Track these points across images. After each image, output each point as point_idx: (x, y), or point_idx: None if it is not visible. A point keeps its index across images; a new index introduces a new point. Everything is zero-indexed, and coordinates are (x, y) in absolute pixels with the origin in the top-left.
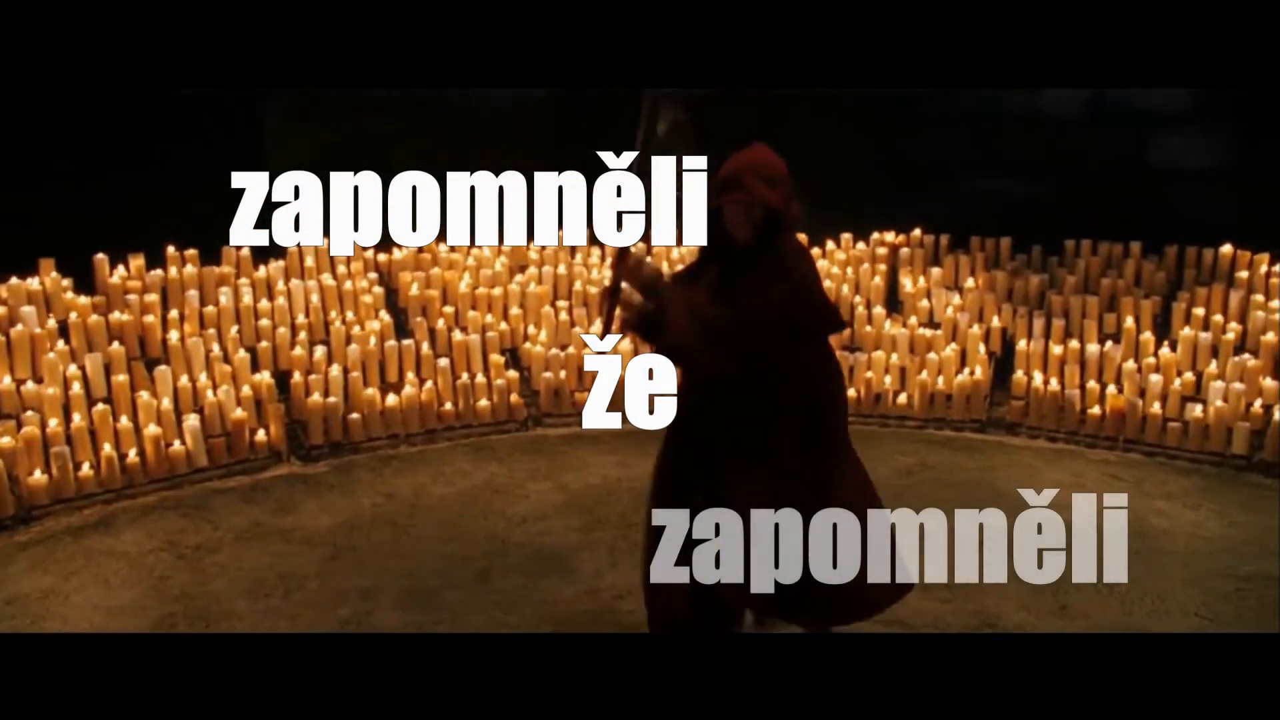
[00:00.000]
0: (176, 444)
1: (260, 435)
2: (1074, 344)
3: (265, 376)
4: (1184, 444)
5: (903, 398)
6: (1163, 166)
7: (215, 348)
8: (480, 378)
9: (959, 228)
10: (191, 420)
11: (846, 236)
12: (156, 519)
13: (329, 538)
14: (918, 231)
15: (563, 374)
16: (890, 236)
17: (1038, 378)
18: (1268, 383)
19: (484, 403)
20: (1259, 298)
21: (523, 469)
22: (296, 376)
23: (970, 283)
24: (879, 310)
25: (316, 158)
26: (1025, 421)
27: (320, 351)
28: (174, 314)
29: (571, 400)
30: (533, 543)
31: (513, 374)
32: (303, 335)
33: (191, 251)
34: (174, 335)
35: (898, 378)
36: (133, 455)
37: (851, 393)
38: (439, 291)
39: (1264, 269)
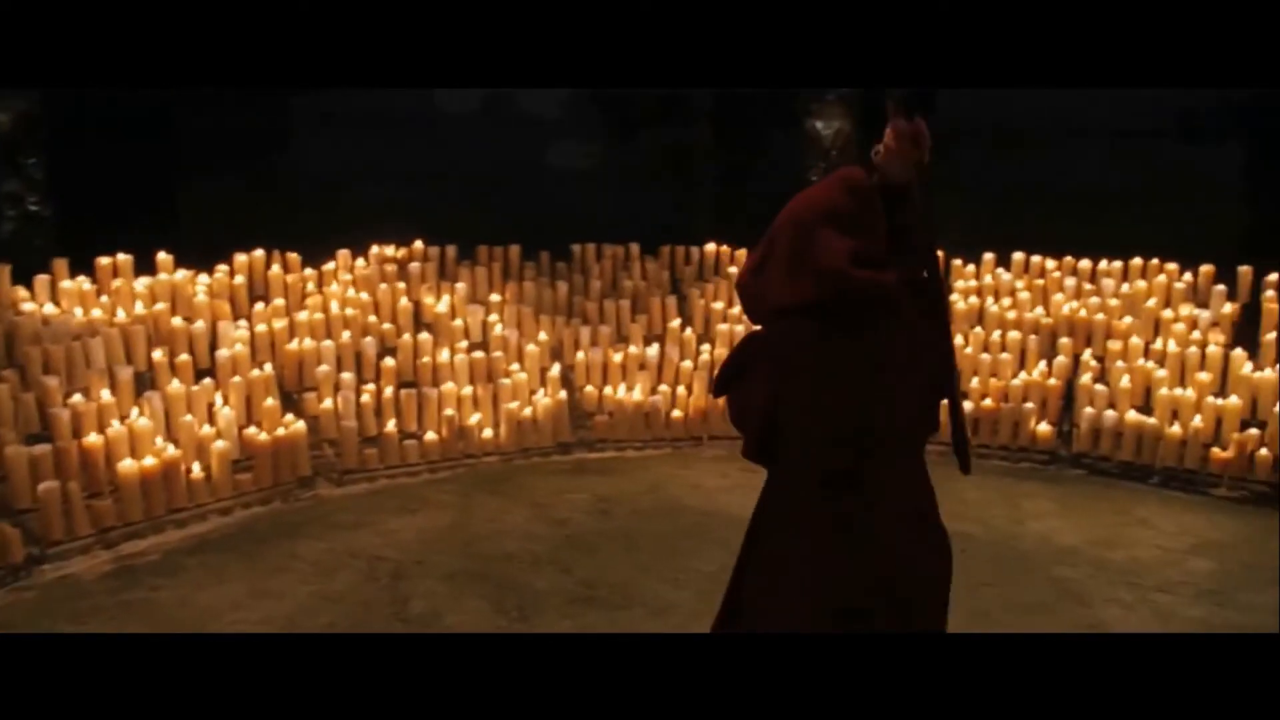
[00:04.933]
0: None
1: None
2: (633, 349)
3: None
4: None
5: (489, 432)
6: (552, 167)
7: None
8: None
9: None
10: None
11: (344, 253)
12: None
13: None
14: (419, 244)
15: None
16: (391, 250)
17: (609, 389)
18: None
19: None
20: None
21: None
22: None
23: (496, 296)
24: (425, 337)
25: None
26: (613, 435)
27: None
28: None
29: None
30: None
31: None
32: None
33: None
34: None
35: (474, 407)
36: None
37: (431, 435)
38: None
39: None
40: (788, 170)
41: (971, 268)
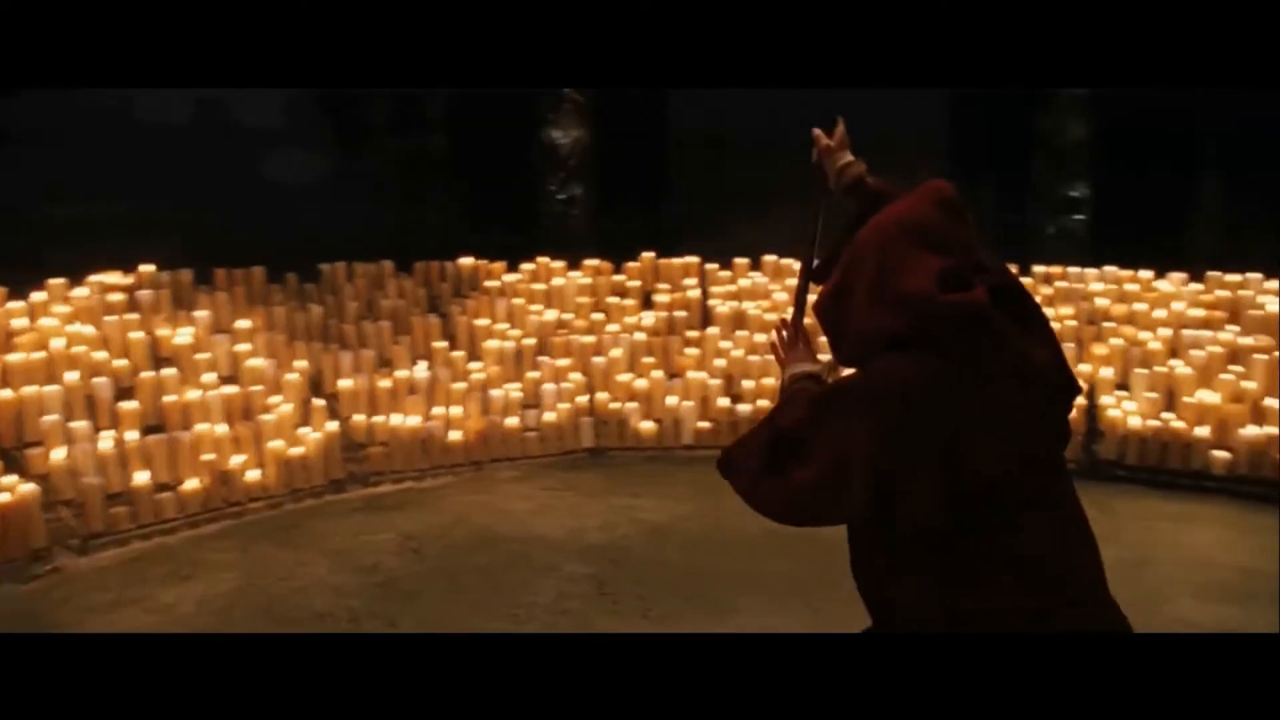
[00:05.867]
0: None
1: None
2: (401, 373)
3: None
4: (546, 449)
5: (256, 473)
6: (280, 180)
7: None
8: None
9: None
10: None
11: (57, 282)
12: None
13: None
14: (150, 267)
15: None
16: (115, 277)
17: (379, 417)
18: (577, 377)
19: None
20: (519, 301)
21: None
22: None
23: (244, 323)
24: (169, 373)
25: None
26: (390, 466)
27: None
28: None
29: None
30: None
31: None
32: None
33: None
34: None
35: (235, 448)
36: None
37: (195, 483)
38: None
39: (505, 277)
40: (529, 180)
41: (728, 273)
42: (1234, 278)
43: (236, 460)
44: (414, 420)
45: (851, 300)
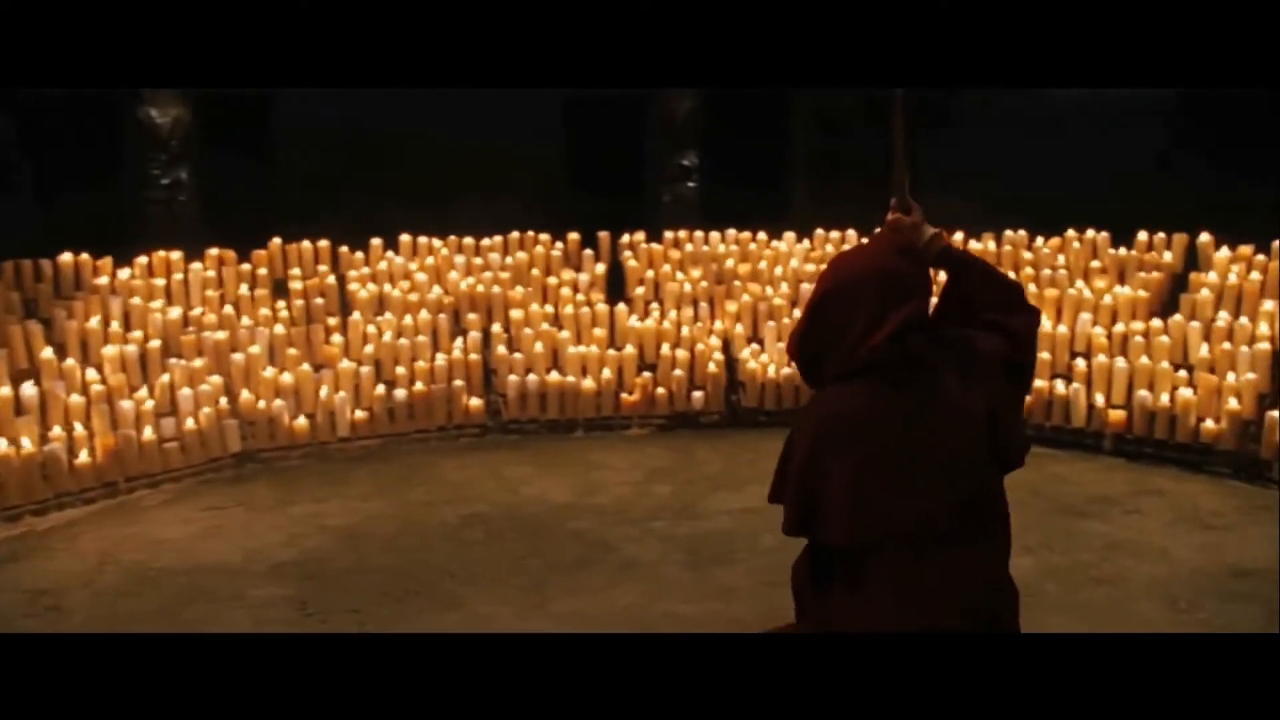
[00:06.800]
0: None
1: None
2: (3, 391)
3: None
4: (190, 460)
5: None
6: None
7: None
8: None
9: None
10: None
11: None
12: None
13: None
14: None
15: None
16: None
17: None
18: (215, 378)
19: None
20: (135, 300)
21: None
22: None
23: None
24: None
25: None
26: (4, 503)
27: None
28: None
29: None
30: None
31: None
32: None
33: None
34: None
35: None
36: None
37: None
38: None
39: (117, 273)
40: (127, 162)
41: (360, 255)
42: (835, 234)
43: None
44: (27, 445)
45: (815, 346)
